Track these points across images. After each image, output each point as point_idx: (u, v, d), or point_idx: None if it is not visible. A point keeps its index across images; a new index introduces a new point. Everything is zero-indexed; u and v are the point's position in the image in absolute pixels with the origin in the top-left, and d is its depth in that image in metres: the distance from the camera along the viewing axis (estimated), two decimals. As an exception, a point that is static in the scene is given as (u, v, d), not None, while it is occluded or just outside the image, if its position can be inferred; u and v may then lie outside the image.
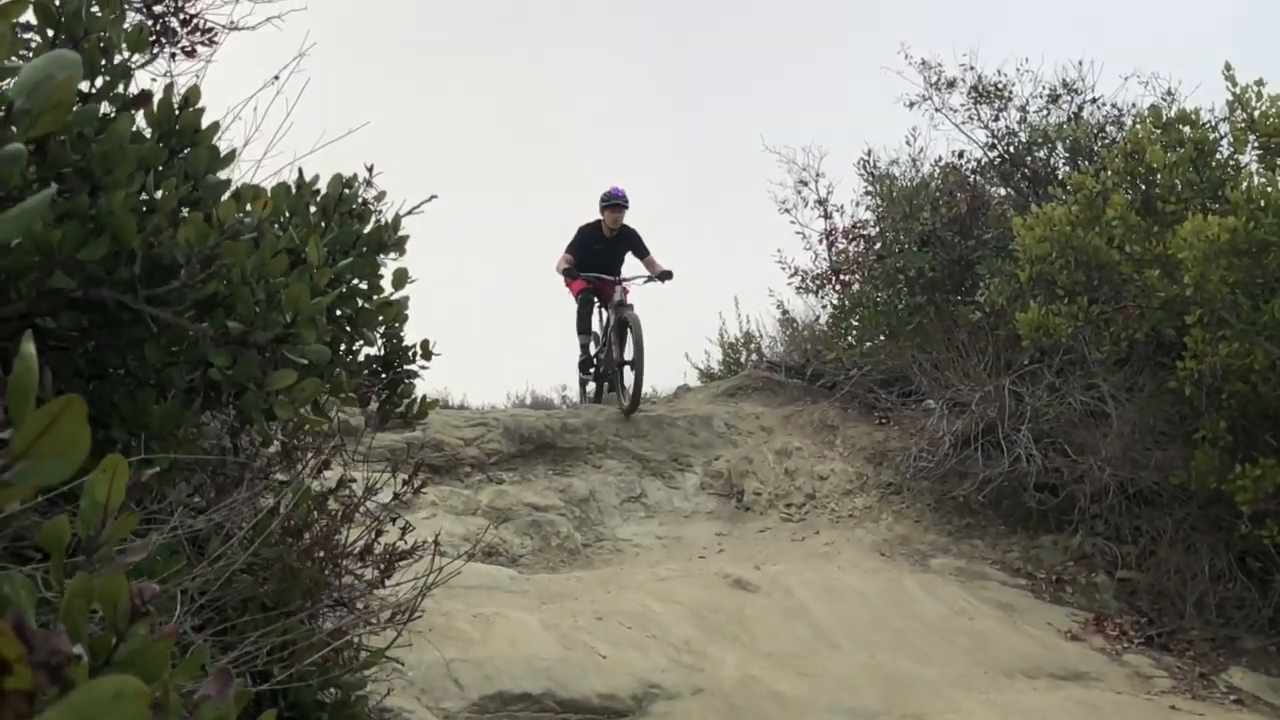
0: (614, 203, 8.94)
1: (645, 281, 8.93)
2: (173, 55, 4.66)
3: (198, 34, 4.52)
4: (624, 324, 8.49)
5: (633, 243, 9.13)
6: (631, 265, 9.14)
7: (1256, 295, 5.87)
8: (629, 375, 8.48)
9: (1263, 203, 5.58)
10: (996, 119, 8.87)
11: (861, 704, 4.51)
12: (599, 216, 9.04)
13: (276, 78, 3.47)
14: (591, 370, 9.43)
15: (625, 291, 8.77)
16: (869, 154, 9.45)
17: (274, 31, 4.62)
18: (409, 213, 2.52)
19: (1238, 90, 5.84)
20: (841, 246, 9.65)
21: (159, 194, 1.77)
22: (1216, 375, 5.98)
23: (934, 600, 5.99)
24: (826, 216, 9.72)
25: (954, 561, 6.84)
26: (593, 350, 9.26)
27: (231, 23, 4.47)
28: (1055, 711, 4.78)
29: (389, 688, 3.27)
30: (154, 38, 4.29)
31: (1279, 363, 5.72)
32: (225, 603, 2.02)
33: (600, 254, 9.02)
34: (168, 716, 1.05)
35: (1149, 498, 6.78)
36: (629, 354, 8.43)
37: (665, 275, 8.87)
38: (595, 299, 9.17)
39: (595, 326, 9.23)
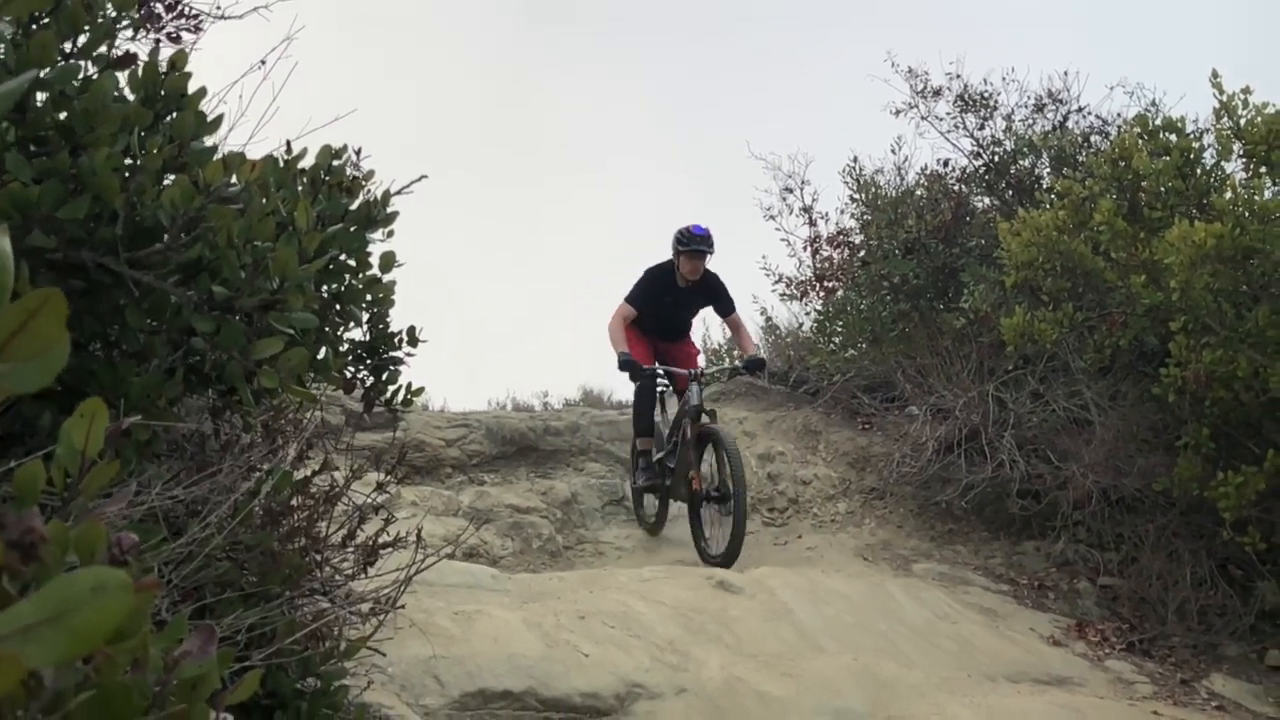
0: (695, 248, 6.65)
1: (730, 376, 7.53)
2: (157, 41, 4.59)
3: (183, 19, 4.46)
4: (707, 441, 6.34)
5: (714, 294, 6.98)
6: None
7: (1240, 303, 5.90)
8: (714, 514, 6.32)
9: (1247, 211, 5.61)
10: (982, 128, 8.92)
11: (846, 705, 4.47)
12: (670, 258, 6.87)
13: (263, 62, 3.42)
14: (653, 484, 6.96)
15: (701, 385, 6.65)
16: (854, 161, 9.50)
17: (261, 23, 4.56)
18: (399, 192, 2.47)
19: (1224, 98, 5.87)
20: (826, 253, 9.69)
21: (143, 155, 1.72)
22: (1200, 383, 5.99)
23: (917, 604, 5.96)
24: (811, 223, 9.77)
25: (937, 567, 6.83)
26: (655, 456, 6.93)
27: (217, 7, 4.40)
28: (1039, 715, 4.74)
29: (369, 681, 3.20)
30: (139, 22, 4.22)
31: (1262, 370, 5.74)
32: (203, 581, 1.96)
33: (670, 309, 6.96)
34: (145, 674, 0.99)
35: (1131, 505, 6.79)
36: (715, 479, 6.28)
37: (756, 365, 6.89)
38: (659, 383, 6.94)
39: (658, 418, 7.06)
